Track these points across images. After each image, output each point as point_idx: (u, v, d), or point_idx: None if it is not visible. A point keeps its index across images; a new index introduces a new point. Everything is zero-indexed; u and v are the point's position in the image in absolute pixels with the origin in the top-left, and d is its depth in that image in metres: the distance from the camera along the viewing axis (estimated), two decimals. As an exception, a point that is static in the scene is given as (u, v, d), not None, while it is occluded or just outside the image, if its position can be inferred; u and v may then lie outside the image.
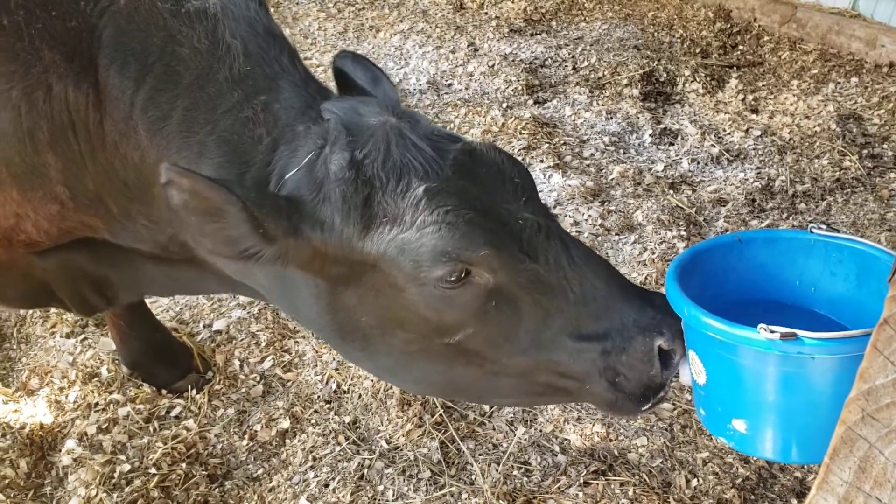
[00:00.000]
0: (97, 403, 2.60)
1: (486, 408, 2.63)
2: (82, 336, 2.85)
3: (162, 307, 2.98)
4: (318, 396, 2.67)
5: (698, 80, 4.65)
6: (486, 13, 5.54)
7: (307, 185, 1.52)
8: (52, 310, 2.93)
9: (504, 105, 4.44)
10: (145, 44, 1.56)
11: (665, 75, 4.75)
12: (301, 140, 1.56)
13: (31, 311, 2.95)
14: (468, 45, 5.12)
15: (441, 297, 1.50)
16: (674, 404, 2.62)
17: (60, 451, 2.45)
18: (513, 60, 4.93)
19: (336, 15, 5.44)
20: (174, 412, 2.62)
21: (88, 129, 1.60)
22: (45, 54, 1.54)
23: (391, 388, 2.64)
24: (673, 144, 4.14)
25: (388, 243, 1.50)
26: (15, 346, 2.87)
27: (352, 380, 2.71)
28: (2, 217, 1.70)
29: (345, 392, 2.69)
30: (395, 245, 1.49)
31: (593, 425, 2.52)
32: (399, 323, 1.57)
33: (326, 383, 2.72)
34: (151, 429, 2.54)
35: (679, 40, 5.20)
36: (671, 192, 3.72)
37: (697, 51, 5.03)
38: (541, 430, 2.54)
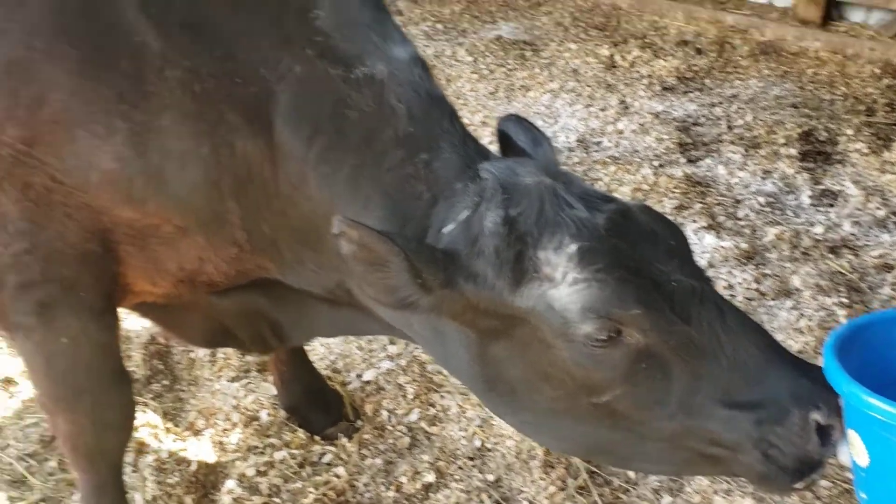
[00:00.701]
0: (256, 446, 2.76)
1: (632, 474, 2.59)
2: (245, 381, 3.04)
3: (318, 356, 3.13)
4: (462, 452, 2.71)
5: (862, 139, 4.44)
6: (638, 71, 5.53)
7: (463, 239, 1.60)
8: (220, 354, 3.14)
9: (655, 163, 4.41)
10: (318, 107, 1.71)
11: (825, 134, 4.58)
12: (459, 197, 1.65)
13: (200, 354, 3.17)
14: (619, 103, 5.13)
15: (589, 354, 1.53)
16: (833, 482, 2.48)
17: (222, 490, 2.60)
18: (665, 118, 4.89)
19: (488, 76, 5.60)
20: (326, 458, 2.73)
21: (266, 182, 1.76)
22: (230, 116, 1.71)
23: (535, 448, 2.64)
24: (833, 206, 3.97)
25: (539, 298, 1.54)
26: (185, 388, 3.08)
27: (495, 438, 2.74)
28: (188, 259, 1.88)
29: (488, 450, 2.72)
30: (545, 300, 1.53)
31: (743, 499, 2.43)
32: (546, 379, 1.60)
33: (471, 440, 2.76)
34: (304, 474, 2.66)
35: (841, 98, 5.00)
36: (831, 256, 3.56)
37: (861, 108, 4.82)
38: (688, 501, 2.47)
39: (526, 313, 1.56)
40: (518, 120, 1.97)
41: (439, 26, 6.33)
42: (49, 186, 1.74)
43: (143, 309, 2.18)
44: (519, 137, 1.91)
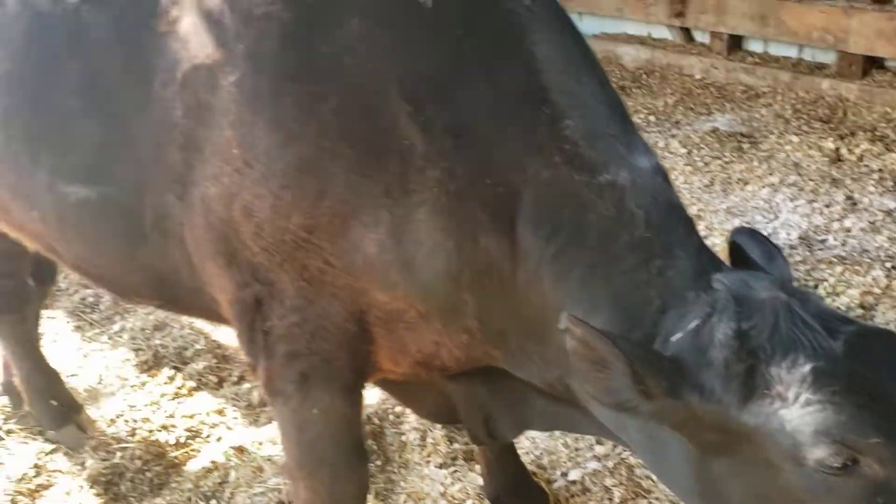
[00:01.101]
0: (462, 535, 2.80)
1: None
2: (453, 468, 3.11)
3: (523, 449, 3.15)
4: (671, 563, 2.61)
5: None
6: (867, 165, 5.23)
7: (691, 349, 1.59)
8: (429, 439, 3.24)
9: (888, 265, 4.11)
10: (560, 209, 1.80)
11: None
12: (689, 306, 1.65)
13: (411, 438, 3.29)
14: (845, 199, 4.86)
15: (821, 482, 1.46)
16: None
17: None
18: (898, 217, 4.58)
19: (703, 168, 5.50)
20: (528, 555, 2.72)
21: (502, 276, 1.86)
22: (477, 214, 1.83)
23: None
24: None
25: (768, 417, 1.50)
26: (396, 470, 3.20)
27: (707, 552, 2.61)
28: (426, 343, 2.02)
29: (699, 564, 2.59)
30: (775, 419, 1.49)
31: None
32: (767, 501, 1.55)
33: (681, 553, 2.65)
34: (508, 570, 2.67)
35: None
36: None
37: None
38: None
39: (753, 431, 1.52)
40: (751, 233, 1.96)
41: (652, 118, 6.34)
42: (322, 268, 1.94)
43: (382, 383, 2.35)
44: (752, 250, 1.89)
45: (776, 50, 6.94)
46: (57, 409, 3.41)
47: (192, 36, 1.95)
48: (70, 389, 3.56)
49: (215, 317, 2.31)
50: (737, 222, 4.79)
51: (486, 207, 1.82)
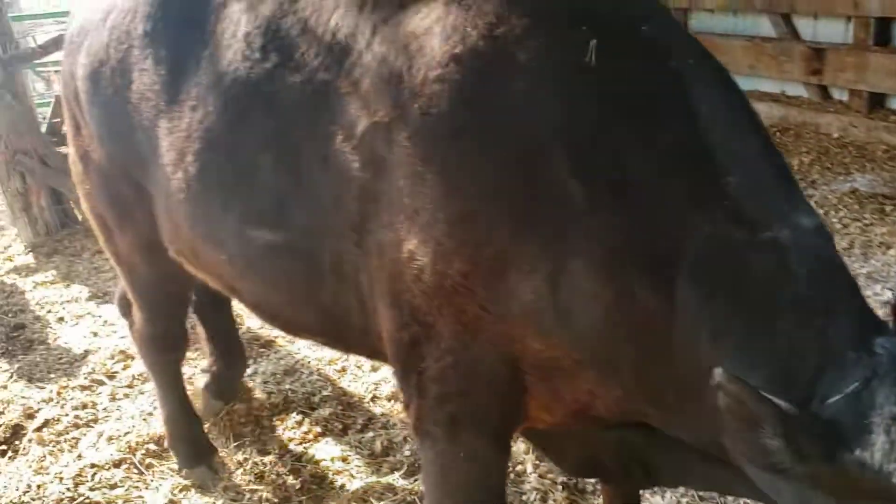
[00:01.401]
0: None
1: None
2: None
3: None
4: None
5: None
6: None
7: (849, 413, 1.54)
8: (549, 501, 3.20)
9: None
10: (719, 265, 1.78)
11: None
12: (849, 369, 1.59)
13: (531, 499, 3.25)
14: None
15: None
16: None
17: None
18: None
19: (841, 230, 5.29)
20: None
21: (659, 330, 1.85)
22: (636, 268, 1.84)
23: None
24: None
25: None
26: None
27: None
28: (581, 393, 2.04)
29: None
30: None
31: None
32: None
33: None
34: None
35: None
36: None
37: None
38: None
39: None
40: None
41: (787, 178, 6.15)
42: (478, 314, 2.00)
43: (527, 432, 2.38)
44: None
45: (922, 108, 6.64)
46: (193, 450, 3.60)
47: (371, 95, 2.09)
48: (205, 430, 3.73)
49: (378, 356, 2.41)
50: (878, 288, 4.56)
51: (645, 262, 1.83)
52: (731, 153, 1.83)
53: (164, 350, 3.47)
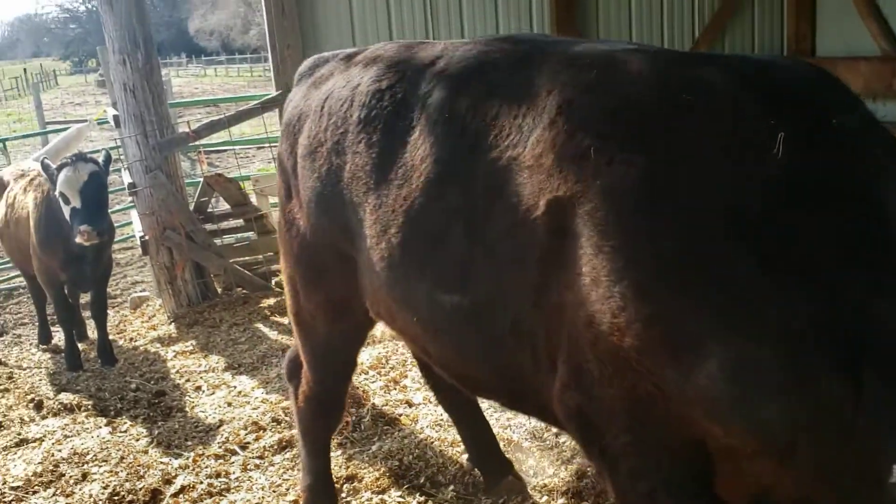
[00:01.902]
0: None
1: None
2: None
3: None
4: None
5: None
6: None
7: None
8: None
9: None
10: None
11: None
12: None
13: None
14: None
15: None
16: None
17: None
18: None
19: None
20: None
21: (843, 419, 1.79)
22: (821, 355, 1.80)
23: None
24: None
25: None
26: None
27: None
28: (762, 477, 1.98)
29: None
30: None
31: None
32: None
33: None
34: None
35: None
36: None
37: None
38: None
39: None
40: None
41: None
42: (651, 392, 2.01)
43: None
44: None
45: None
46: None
47: (555, 171, 2.22)
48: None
49: (552, 418, 2.46)
50: None
51: (830, 348, 1.79)
52: None
53: (322, 414, 3.64)
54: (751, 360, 1.84)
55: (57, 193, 5.76)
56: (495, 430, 4.42)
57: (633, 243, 2.03)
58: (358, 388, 5.13)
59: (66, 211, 5.74)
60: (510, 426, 4.52)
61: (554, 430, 4.38)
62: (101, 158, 6.10)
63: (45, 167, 5.89)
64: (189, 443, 4.72)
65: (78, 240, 5.66)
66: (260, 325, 6.76)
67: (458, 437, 4.35)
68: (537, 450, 4.27)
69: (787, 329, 1.81)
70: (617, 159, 2.10)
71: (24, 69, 58.69)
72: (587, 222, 2.10)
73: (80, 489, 4.23)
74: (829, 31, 8.53)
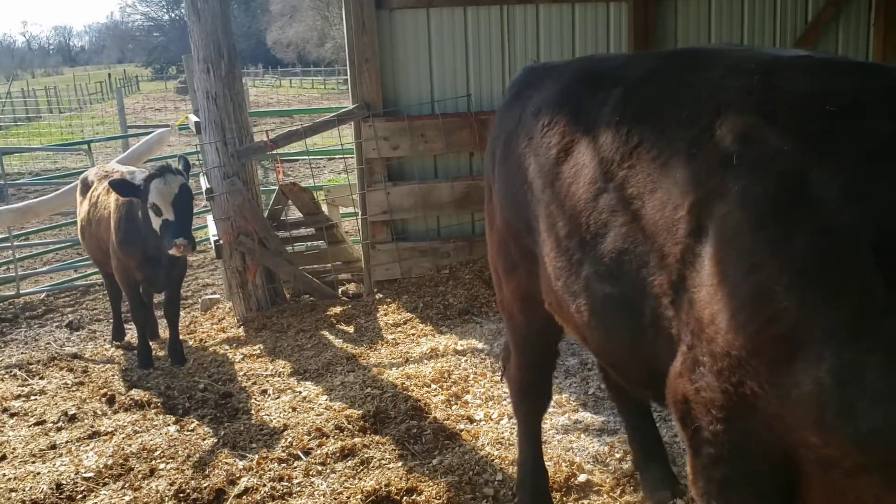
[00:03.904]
0: None
1: None
2: None
3: None
4: None
5: None
6: None
7: None
8: None
9: None
10: None
11: None
12: None
13: None
14: None
15: None
16: None
17: None
18: None
19: None
20: None
21: None
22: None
23: None
24: None
25: None
26: None
27: None
28: (864, 496, 1.97)
29: None
30: None
31: None
32: None
33: None
34: None
35: None
36: None
37: None
38: None
39: None
40: None
41: None
42: (755, 391, 2.05)
43: None
44: None
45: None
46: (530, 498, 3.94)
47: (701, 173, 2.34)
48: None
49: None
50: None
51: None
52: None
53: (529, 397, 3.88)
54: (862, 372, 1.83)
55: (149, 205, 5.95)
56: (557, 452, 4.40)
57: (759, 247, 2.08)
58: (420, 400, 5.15)
59: (157, 222, 5.94)
60: (572, 448, 4.48)
61: (618, 455, 4.34)
62: (179, 164, 6.29)
63: (124, 183, 6.08)
64: (254, 445, 4.80)
65: (172, 251, 5.88)
66: (326, 333, 6.86)
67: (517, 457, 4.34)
68: (599, 472, 4.22)
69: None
70: (758, 163, 2.19)
71: (109, 74, 60.90)
72: (722, 224, 2.21)
73: (147, 484, 4.34)
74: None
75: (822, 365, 1.88)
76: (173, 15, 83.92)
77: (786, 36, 8.47)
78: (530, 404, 3.90)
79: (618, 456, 4.33)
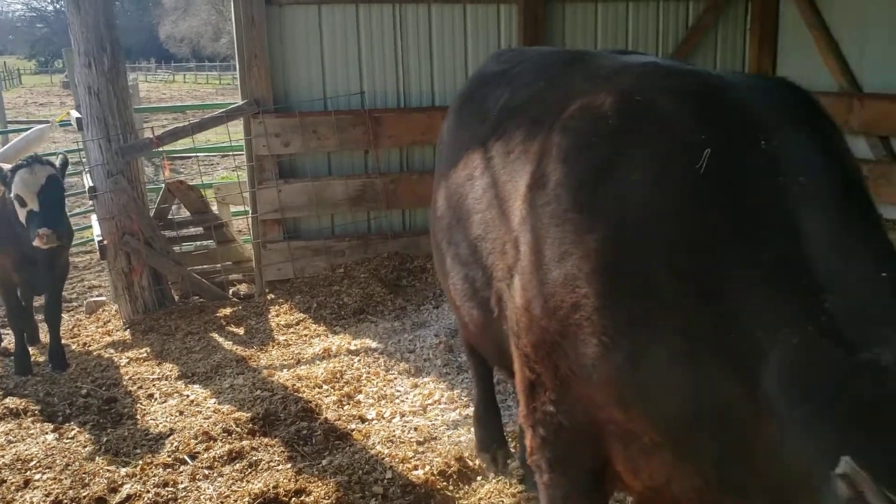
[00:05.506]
0: None
1: None
2: None
3: None
4: None
5: None
6: None
7: None
8: None
9: None
10: (810, 376, 1.78)
11: None
12: None
13: None
14: None
15: None
16: None
17: None
18: None
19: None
20: None
21: (745, 429, 1.88)
22: (719, 363, 1.93)
23: None
24: None
25: None
26: None
27: None
28: (658, 473, 2.16)
29: None
30: None
31: None
32: None
33: None
34: None
35: None
36: None
37: None
38: None
39: None
40: None
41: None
42: (568, 374, 2.23)
43: (632, 495, 2.57)
44: None
45: None
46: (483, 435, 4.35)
47: (533, 164, 2.51)
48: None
49: None
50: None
51: (729, 358, 1.90)
52: (831, 273, 1.85)
53: (474, 353, 4.20)
54: (653, 357, 2.01)
55: (12, 196, 5.67)
56: (446, 448, 4.45)
57: (567, 237, 2.23)
58: (311, 401, 5.11)
59: (22, 214, 5.65)
60: (461, 442, 4.53)
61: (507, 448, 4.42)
62: (58, 162, 6.03)
63: None
64: (138, 451, 4.66)
65: (36, 243, 5.56)
66: (215, 335, 6.71)
67: (410, 455, 4.36)
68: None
69: (687, 336, 1.96)
70: (570, 158, 2.34)
71: (-12, 66, 57.71)
72: (540, 213, 2.35)
73: (21, 496, 4.15)
74: (789, 66, 8.73)
75: (618, 351, 2.06)
76: (58, 6, 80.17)
77: (668, 41, 8.79)
78: (476, 357, 4.20)
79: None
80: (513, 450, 4.34)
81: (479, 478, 4.20)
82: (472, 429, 4.46)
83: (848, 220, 1.97)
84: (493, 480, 4.14)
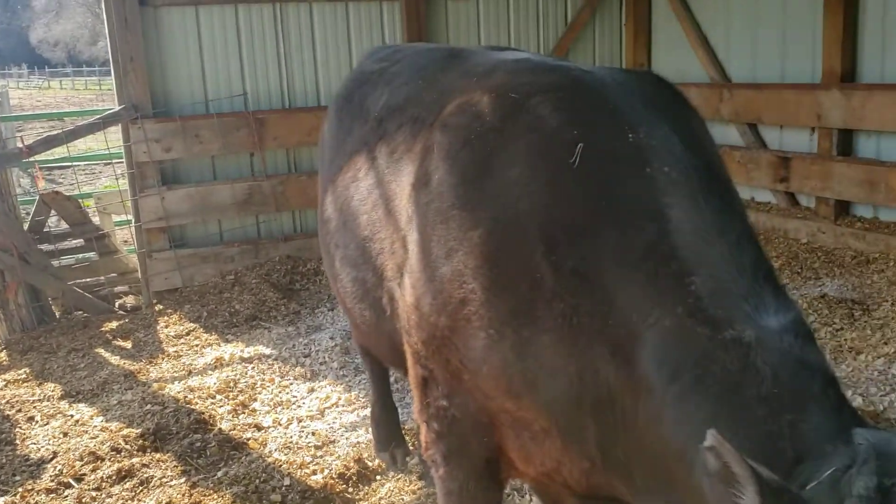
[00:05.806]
0: None
1: None
2: None
3: None
4: None
5: None
6: None
7: (826, 498, 1.56)
8: None
9: None
10: (681, 356, 1.88)
11: None
12: (827, 459, 1.63)
13: None
14: (969, 372, 4.62)
15: None
16: None
17: None
18: None
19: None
20: None
21: (624, 410, 1.97)
22: (598, 348, 2.00)
23: None
24: None
25: None
26: None
27: None
28: (549, 458, 2.22)
29: None
30: None
31: None
32: None
33: None
34: None
35: None
36: None
37: None
38: None
39: None
40: None
41: (757, 282, 6.26)
42: (458, 367, 2.26)
43: (527, 481, 2.68)
44: None
45: (887, 215, 6.84)
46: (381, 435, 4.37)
47: (416, 163, 2.52)
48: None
49: None
50: (849, 394, 4.61)
51: (607, 342, 1.98)
52: (696, 256, 1.96)
53: (368, 353, 4.18)
54: (537, 346, 2.08)
55: None
56: (345, 450, 4.42)
57: (452, 234, 2.27)
58: (204, 413, 4.98)
59: None
60: (360, 444, 4.50)
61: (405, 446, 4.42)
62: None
63: None
64: (17, 477, 4.41)
65: None
66: (101, 350, 6.44)
67: (308, 460, 4.31)
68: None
69: (567, 323, 2.03)
70: (451, 155, 2.37)
71: None
72: (425, 212, 2.37)
73: None
74: (663, 59, 9.07)
75: (504, 342, 2.13)
76: (-84, 10, 75.20)
77: (548, 37, 8.98)
78: (370, 358, 4.20)
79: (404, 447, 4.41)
80: (412, 447, 4.34)
81: (378, 477, 4.19)
82: (371, 429, 4.44)
83: (710, 205, 2.06)
84: (394, 479, 4.15)
